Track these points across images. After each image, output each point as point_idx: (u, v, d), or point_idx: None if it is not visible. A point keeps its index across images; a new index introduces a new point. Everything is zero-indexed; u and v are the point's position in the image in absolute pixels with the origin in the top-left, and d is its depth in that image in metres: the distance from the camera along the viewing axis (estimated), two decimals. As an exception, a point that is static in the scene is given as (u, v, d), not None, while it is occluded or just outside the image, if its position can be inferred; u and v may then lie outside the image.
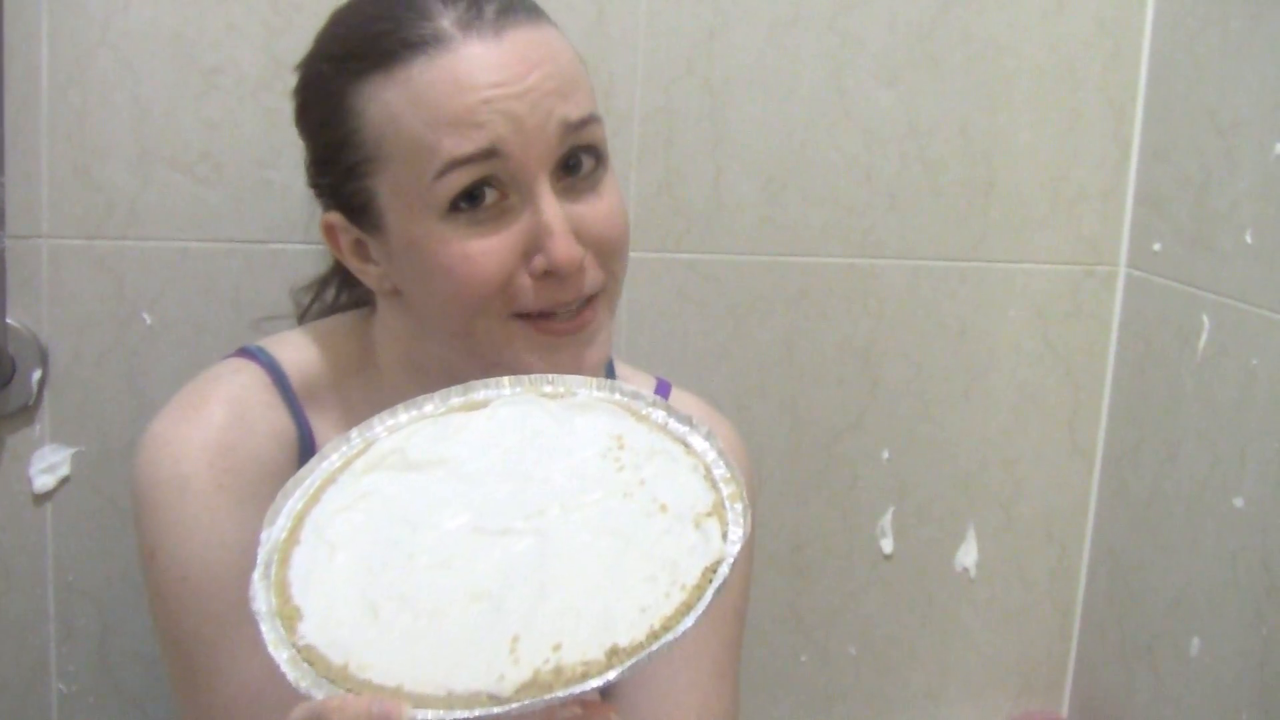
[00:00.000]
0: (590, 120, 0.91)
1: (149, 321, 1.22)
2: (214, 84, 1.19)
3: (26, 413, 1.21)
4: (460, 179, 0.87)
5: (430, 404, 0.88)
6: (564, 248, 0.88)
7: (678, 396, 1.10)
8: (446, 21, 0.87)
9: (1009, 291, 1.41)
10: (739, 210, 1.33)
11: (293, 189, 1.21)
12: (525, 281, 0.89)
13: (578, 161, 0.91)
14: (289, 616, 0.74)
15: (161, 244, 1.21)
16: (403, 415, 0.87)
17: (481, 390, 0.88)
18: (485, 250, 0.88)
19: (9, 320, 1.18)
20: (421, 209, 0.88)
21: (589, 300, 0.93)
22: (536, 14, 0.92)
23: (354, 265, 0.97)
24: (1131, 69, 1.39)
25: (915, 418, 1.42)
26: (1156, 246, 1.37)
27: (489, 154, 0.86)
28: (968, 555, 1.46)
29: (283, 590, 0.76)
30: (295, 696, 0.92)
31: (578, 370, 0.92)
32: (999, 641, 1.50)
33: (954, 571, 1.47)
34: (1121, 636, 1.41)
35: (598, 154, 0.93)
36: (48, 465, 1.22)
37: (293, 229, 1.21)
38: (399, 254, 0.91)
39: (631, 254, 1.28)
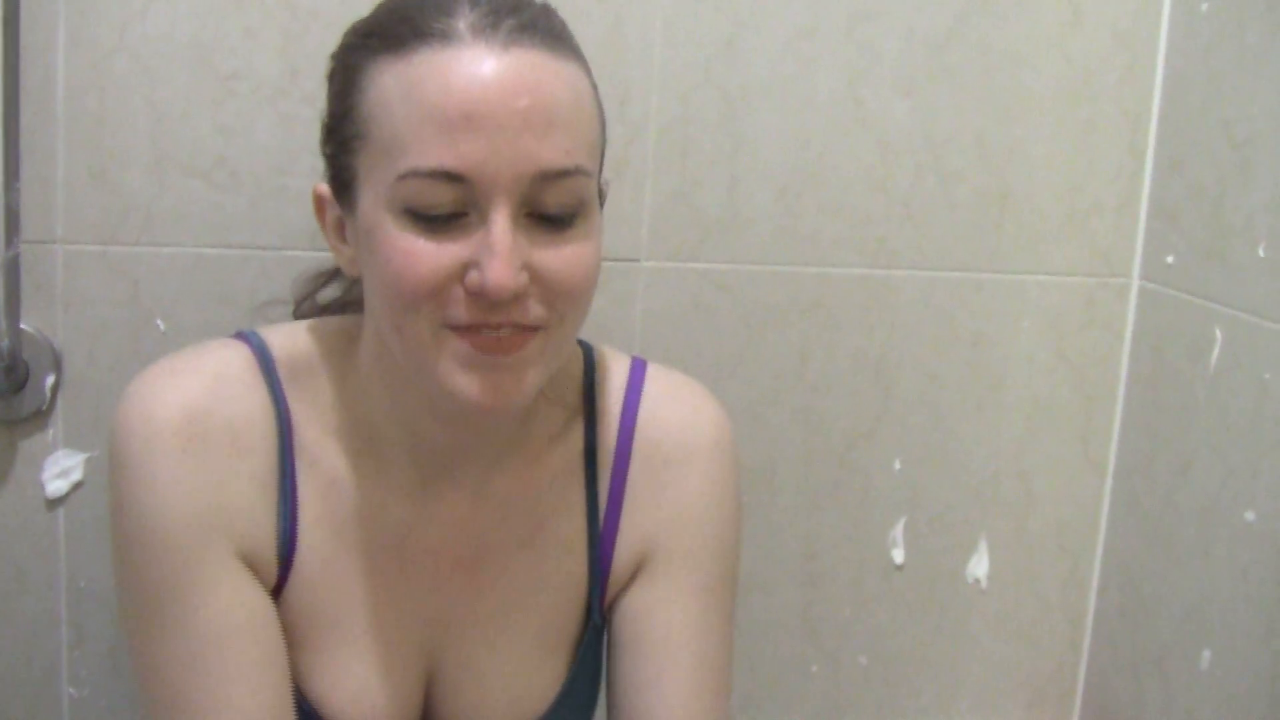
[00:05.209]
0: (573, 173, 0.88)
1: (163, 328, 1.22)
2: (231, 90, 1.19)
3: (40, 418, 1.21)
4: (418, 187, 0.86)
5: None
6: (499, 270, 0.85)
7: (655, 374, 1.09)
8: (463, 23, 0.87)
9: (1022, 303, 1.41)
10: (754, 220, 1.33)
11: (308, 195, 1.19)
12: (458, 293, 0.88)
13: (549, 211, 0.89)
14: None
15: (177, 250, 1.21)
16: None
17: None
18: (427, 252, 0.87)
19: (23, 325, 1.18)
20: (384, 198, 0.88)
21: (526, 329, 0.90)
22: (558, 44, 0.90)
23: (332, 242, 0.98)
24: (1147, 81, 1.39)
25: (928, 428, 1.42)
26: (1170, 259, 1.37)
27: (452, 177, 0.85)
28: (979, 566, 1.46)
29: None
30: (256, 651, 0.93)
31: (498, 400, 0.90)
32: (1010, 653, 1.50)
33: (965, 582, 1.47)
34: (1132, 649, 1.41)
35: (577, 205, 0.90)
36: (61, 470, 1.22)
37: (308, 236, 1.21)
38: (360, 237, 0.91)
39: (648, 263, 1.31)
